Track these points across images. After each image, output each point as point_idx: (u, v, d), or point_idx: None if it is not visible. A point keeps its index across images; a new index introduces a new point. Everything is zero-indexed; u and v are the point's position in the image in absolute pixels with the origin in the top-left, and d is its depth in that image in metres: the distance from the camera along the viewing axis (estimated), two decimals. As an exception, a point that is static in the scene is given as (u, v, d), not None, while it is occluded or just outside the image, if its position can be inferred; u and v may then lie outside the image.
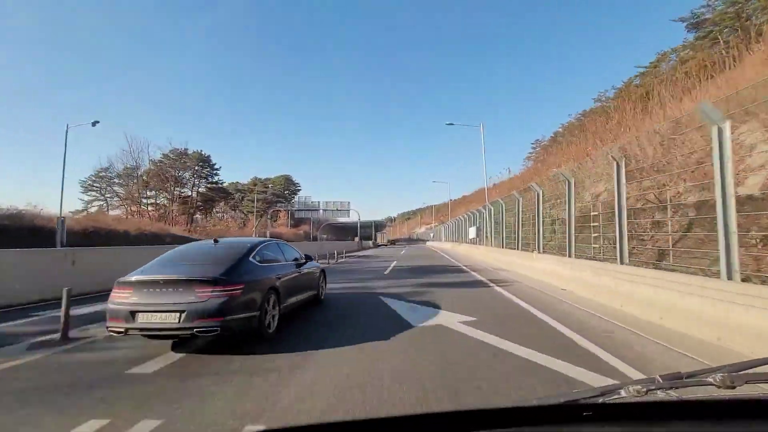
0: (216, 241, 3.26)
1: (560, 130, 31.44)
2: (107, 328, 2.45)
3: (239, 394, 1.80)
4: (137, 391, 1.89)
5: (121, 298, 2.41)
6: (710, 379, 0.58)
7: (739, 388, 0.57)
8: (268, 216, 40.32)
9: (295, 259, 3.79)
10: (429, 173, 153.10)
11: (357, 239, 39.00)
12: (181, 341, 2.49)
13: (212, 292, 2.33)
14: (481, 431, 0.60)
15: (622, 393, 0.60)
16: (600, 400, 0.60)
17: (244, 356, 2.30)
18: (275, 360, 2.24)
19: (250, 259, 2.89)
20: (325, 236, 55.94)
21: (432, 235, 41.99)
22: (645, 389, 0.59)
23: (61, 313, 2.96)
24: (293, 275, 3.47)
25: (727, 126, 2.79)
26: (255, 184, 57.46)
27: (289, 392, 1.81)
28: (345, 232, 70.89)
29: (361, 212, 48.14)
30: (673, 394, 0.59)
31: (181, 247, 3.27)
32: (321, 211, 39.62)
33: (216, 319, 2.28)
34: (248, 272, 2.70)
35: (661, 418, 0.62)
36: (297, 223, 57.83)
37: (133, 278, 2.45)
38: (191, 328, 2.23)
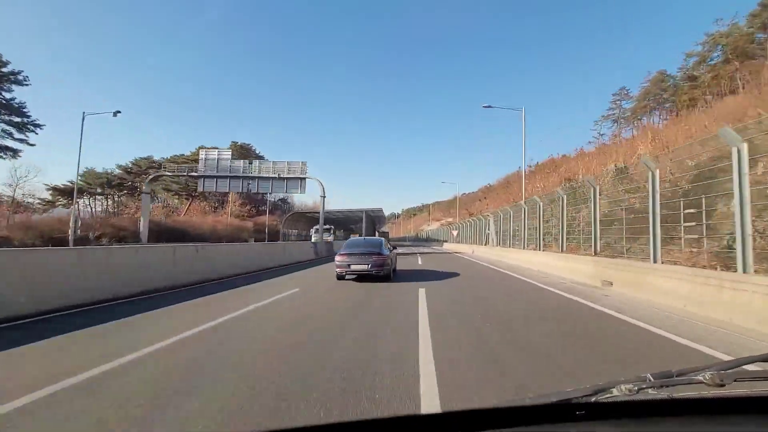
0: (364, 237, 12.65)
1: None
2: (336, 271, 8.97)
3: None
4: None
5: (342, 258, 8.71)
6: (700, 378, 0.81)
7: (728, 385, 0.80)
8: (149, 191, 29.58)
9: (390, 247, 9.86)
10: (434, 170, 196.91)
11: (313, 236, 33.94)
12: (359, 279, 8.87)
13: (378, 257, 8.62)
14: None
15: (614, 392, 0.82)
16: (592, 399, 0.82)
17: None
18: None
19: (384, 245, 9.53)
20: (294, 232, 53.88)
21: (456, 233, 35.79)
22: (636, 388, 0.82)
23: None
24: (391, 255, 9.55)
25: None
26: (196, 159, 54.35)
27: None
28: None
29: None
30: (664, 393, 0.82)
31: (350, 240, 10.77)
32: (248, 183, 28.37)
33: (380, 268, 8.60)
34: (385, 251, 9.02)
35: (653, 417, 0.85)
36: (264, 210, 56.18)
37: (347, 251, 8.85)
38: (371, 271, 8.53)
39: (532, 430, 0.84)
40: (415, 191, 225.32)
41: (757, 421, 0.82)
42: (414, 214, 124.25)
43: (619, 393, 0.83)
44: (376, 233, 63.56)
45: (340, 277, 9.03)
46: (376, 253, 8.91)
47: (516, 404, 0.85)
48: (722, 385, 0.81)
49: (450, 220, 73.70)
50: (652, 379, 0.84)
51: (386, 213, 78.76)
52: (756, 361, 0.88)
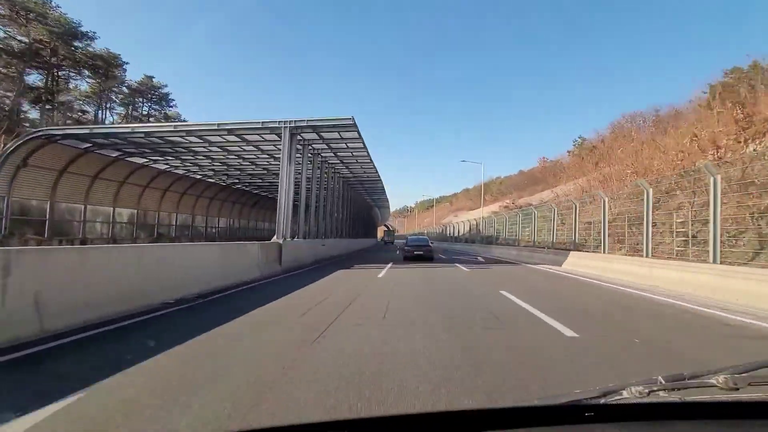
0: (417, 236, 40.39)
1: None
2: (405, 254, 24.28)
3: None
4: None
5: (408, 246, 24.72)
6: (713, 381, 0.96)
7: (742, 389, 0.94)
8: None
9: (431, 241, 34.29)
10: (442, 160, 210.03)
11: None
12: (412, 259, 23.40)
13: (428, 247, 24.55)
14: (483, 431, 0.95)
15: (624, 394, 0.99)
16: (602, 401, 0.99)
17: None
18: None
19: (429, 241, 27.82)
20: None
21: None
22: (647, 390, 0.98)
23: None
24: (432, 245, 28.50)
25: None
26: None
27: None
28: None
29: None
30: (676, 396, 0.96)
31: (409, 238, 29.02)
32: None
33: (429, 252, 23.82)
34: (430, 243, 26.17)
35: (663, 420, 0.99)
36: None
37: (412, 244, 24.56)
38: (424, 254, 23.48)
39: (540, 431, 0.96)
40: (413, 189, 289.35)
41: None
42: (430, 207, 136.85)
43: (629, 395, 0.99)
44: (382, 229, 70.44)
45: (406, 258, 22.87)
46: (427, 245, 23.96)
47: (524, 405, 1.00)
48: (736, 389, 0.94)
49: (507, 203, 52.63)
50: (663, 381, 1.00)
51: (393, 206, 71.34)
52: None
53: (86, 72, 49.12)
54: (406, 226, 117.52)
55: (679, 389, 1.01)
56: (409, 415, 0.99)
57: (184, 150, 24.24)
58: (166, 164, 29.08)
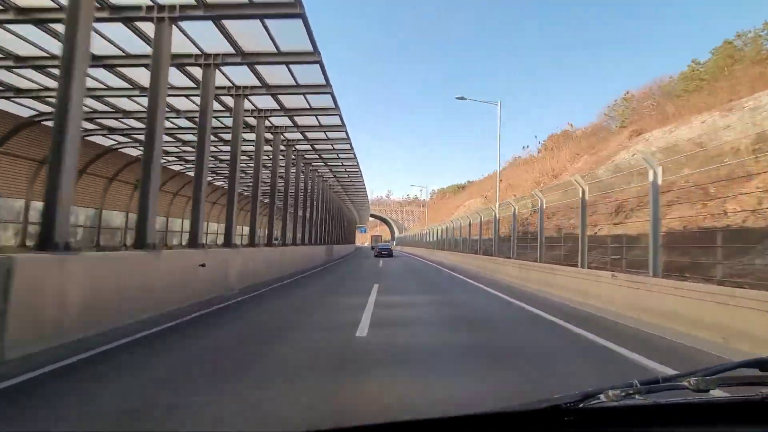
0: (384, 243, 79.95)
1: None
2: (375, 253, 52.26)
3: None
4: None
5: (377, 250, 50.61)
6: (685, 383, 1.06)
7: (712, 391, 1.04)
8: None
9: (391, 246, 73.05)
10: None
11: None
12: (380, 256, 46.31)
13: (390, 247, 57.69)
14: None
15: (602, 398, 1.08)
16: (581, 405, 1.08)
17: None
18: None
19: (390, 243, 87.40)
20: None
21: None
22: (623, 393, 1.08)
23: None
24: (391, 246, 71.53)
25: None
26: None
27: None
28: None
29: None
30: (651, 399, 1.06)
31: (378, 244, 63.35)
32: None
33: (390, 252, 49.98)
34: (390, 247, 58.75)
35: (638, 422, 1.12)
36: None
37: (379, 248, 51.69)
38: (388, 252, 49.13)
39: None
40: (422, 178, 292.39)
41: (739, 425, 1.04)
42: (460, 189, 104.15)
43: (606, 399, 1.07)
44: (369, 234, 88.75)
45: (376, 255, 45.51)
46: (389, 248, 51.22)
47: (503, 410, 1.10)
48: (706, 391, 1.03)
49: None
50: (638, 384, 1.09)
51: (397, 193, 72.44)
52: (741, 366, 1.11)
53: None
54: (428, 220, 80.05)
55: (654, 392, 1.10)
56: (383, 424, 1.02)
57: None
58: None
